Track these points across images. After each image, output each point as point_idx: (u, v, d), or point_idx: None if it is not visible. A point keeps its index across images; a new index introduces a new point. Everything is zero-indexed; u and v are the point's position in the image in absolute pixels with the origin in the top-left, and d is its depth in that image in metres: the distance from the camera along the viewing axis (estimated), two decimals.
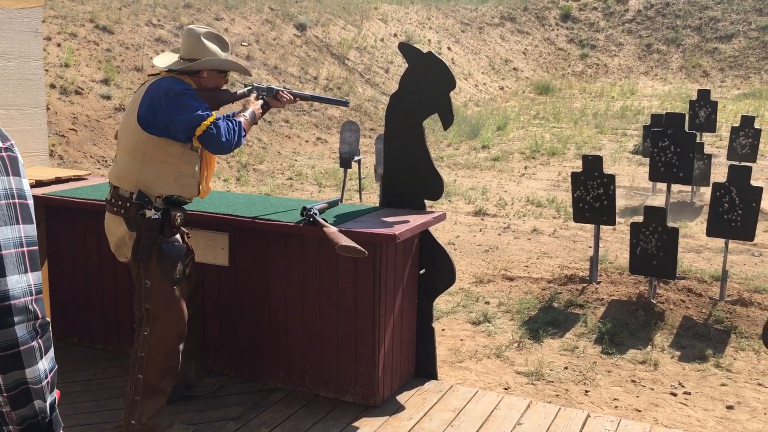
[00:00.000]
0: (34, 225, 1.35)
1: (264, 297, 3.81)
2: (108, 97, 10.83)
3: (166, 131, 3.07)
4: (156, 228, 3.15)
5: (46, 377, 1.34)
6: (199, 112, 3.04)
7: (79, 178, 4.54)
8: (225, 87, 3.40)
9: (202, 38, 3.22)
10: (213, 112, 3.12)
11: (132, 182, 3.13)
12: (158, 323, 3.22)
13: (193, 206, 3.58)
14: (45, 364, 1.33)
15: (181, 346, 3.31)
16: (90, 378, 3.95)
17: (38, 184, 4.26)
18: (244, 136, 3.22)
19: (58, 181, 4.40)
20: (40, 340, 1.32)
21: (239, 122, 3.20)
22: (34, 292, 1.31)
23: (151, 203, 3.13)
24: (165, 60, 3.28)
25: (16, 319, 1.27)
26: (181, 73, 3.20)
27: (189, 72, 3.22)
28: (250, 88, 3.49)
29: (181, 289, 3.27)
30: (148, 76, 3.27)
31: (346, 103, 3.95)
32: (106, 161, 9.67)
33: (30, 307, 1.29)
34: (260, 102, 3.43)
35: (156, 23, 13.76)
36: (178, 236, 3.27)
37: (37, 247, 1.34)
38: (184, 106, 3.03)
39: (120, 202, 3.15)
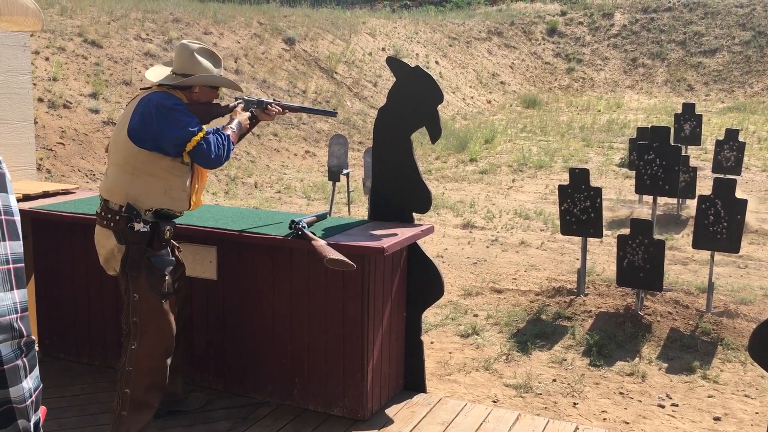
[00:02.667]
0: (21, 242, 1.33)
1: (252, 311, 3.80)
2: (96, 111, 10.81)
3: (156, 145, 3.08)
4: (144, 241, 3.15)
5: (31, 396, 1.31)
6: (190, 128, 3.05)
7: (66, 192, 4.53)
8: (215, 101, 3.41)
9: (195, 54, 3.22)
10: (204, 127, 3.14)
11: (121, 195, 3.13)
12: (146, 337, 3.20)
13: (182, 220, 3.57)
14: (30, 382, 1.31)
15: (168, 361, 3.29)
16: (77, 393, 3.92)
17: (26, 198, 4.24)
18: (233, 149, 3.23)
19: (46, 195, 4.39)
20: (24, 359, 1.29)
21: (227, 135, 3.22)
22: (19, 310, 1.28)
23: (140, 216, 3.13)
24: (157, 74, 3.28)
25: (0, 337, 1.25)
26: (173, 88, 3.21)
27: (181, 87, 3.23)
28: (240, 101, 3.50)
29: (169, 303, 3.26)
30: (140, 90, 3.27)
31: (334, 114, 3.98)
32: (94, 175, 9.64)
33: (15, 325, 1.27)
34: (247, 114, 3.44)
35: (145, 37, 13.77)
36: (167, 249, 3.27)
37: (23, 264, 1.32)
38: (175, 121, 3.04)
39: (110, 216, 3.15)
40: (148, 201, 3.14)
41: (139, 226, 3.12)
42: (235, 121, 3.34)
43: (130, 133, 3.08)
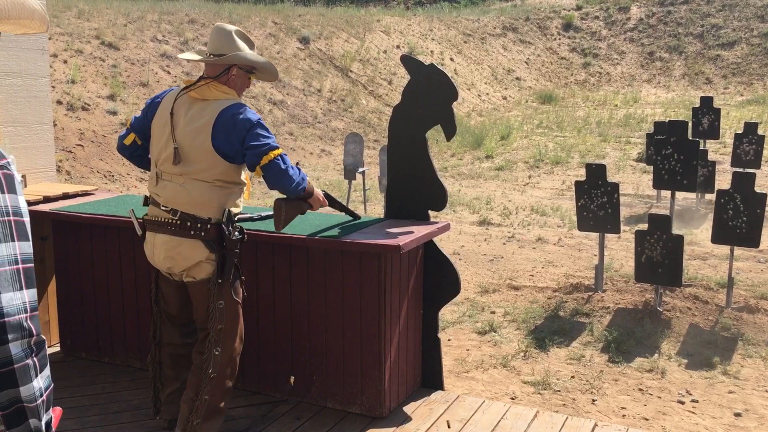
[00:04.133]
0: (30, 242, 1.34)
1: (269, 309, 3.83)
2: (114, 113, 10.91)
3: (242, 159, 3.07)
4: (237, 248, 3.16)
5: (42, 395, 1.32)
6: (270, 143, 3.05)
7: (86, 194, 4.58)
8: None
9: (234, 35, 3.16)
10: (278, 147, 3.12)
11: (213, 208, 3.09)
12: (228, 343, 3.19)
13: None
14: (40, 382, 1.32)
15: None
16: (98, 392, 3.97)
17: (46, 199, 4.30)
18: (303, 186, 3.18)
19: (66, 196, 4.44)
20: (35, 358, 1.30)
21: (304, 176, 3.20)
22: (29, 309, 1.30)
23: (232, 222, 3.14)
24: (194, 54, 3.25)
25: (10, 336, 1.26)
26: (216, 79, 3.12)
27: (219, 74, 3.14)
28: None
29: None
30: (184, 87, 3.15)
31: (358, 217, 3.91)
32: (112, 176, 9.73)
33: (24, 324, 1.28)
34: (320, 192, 3.40)
35: (161, 39, 13.87)
36: None
37: (32, 265, 1.33)
38: (258, 136, 3.03)
39: (198, 225, 3.07)
40: (233, 206, 3.15)
41: (233, 232, 3.12)
42: (313, 187, 3.33)
43: (219, 151, 3.03)
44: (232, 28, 3.19)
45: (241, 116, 3.03)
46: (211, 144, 3.02)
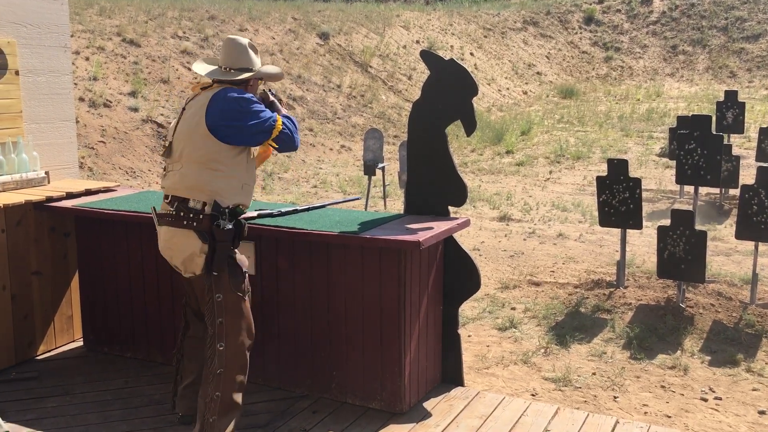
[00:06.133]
0: None
1: (290, 305, 3.84)
2: (136, 110, 11.00)
3: (239, 138, 3.11)
4: (230, 239, 3.14)
5: None
6: (270, 116, 3.16)
7: (108, 190, 4.62)
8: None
9: (249, 49, 3.27)
10: (277, 114, 3.23)
11: (205, 192, 3.10)
12: (232, 337, 3.18)
13: None
14: None
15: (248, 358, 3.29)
16: (120, 387, 4.01)
17: (68, 196, 4.34)
18: (281, 127, 3.27)
19: (88, 192, 4.48)
20: None
21: (292, 119, 3.30)
22: None
23: (225, 214, 3.12)
24: (206, 69, 3.30)
25: None
26: (233, 84, 3.23)
27: (239, 82, 3.25)
28: (269, 92, 3.52)
29: (249, 300, 3.29)
30: (201, 89, 3.27)
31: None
32: (134, 172, 9.82)
33: None
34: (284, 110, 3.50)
35: (182, 35, 13.95)
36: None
37: None
38: (256, 112, 3.13)
39: (191, 215, 3.10)
40: (228, 197, 3.14)
41: (225, 224, 3.10)
42: (283, 110, 3.42)
43: (213, 129, 3.07)
44: (244, 41, 3.29)
45: (236, 94, 3.12)
46: (205, 123, 3.08)
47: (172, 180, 3.19)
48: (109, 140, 10.16)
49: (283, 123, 3.20)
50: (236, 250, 3.24)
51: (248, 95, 3.19)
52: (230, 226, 3.12)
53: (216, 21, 15.28)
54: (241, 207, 3.22)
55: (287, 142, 3.22)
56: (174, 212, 3.13)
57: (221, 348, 3.15)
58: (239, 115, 3.09)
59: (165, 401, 3.78)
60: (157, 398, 3.85)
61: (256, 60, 3.31)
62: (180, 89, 12.18)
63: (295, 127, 3.28)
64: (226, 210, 3.12)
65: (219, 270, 3.12)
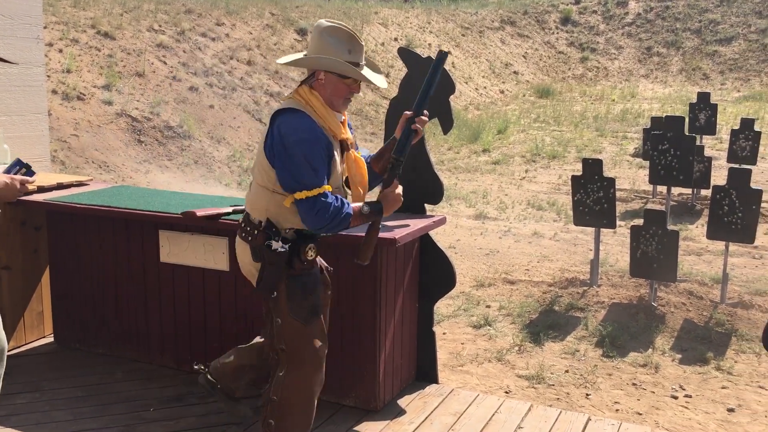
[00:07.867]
0: None
1: (262, 302, 3.81)
2: (110, 103, 10.86)
3: (281, 177, 2.78)
4: (282, 262, 2.83)
5: None
6: (304, 180, 2.67)
7: (80, 184, 4.56)
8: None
9: (323, 33, 2.73)
10: (325, 185, 2.69)
11: (262, 211, 2.85)
12: (293, 365, 2.91)
13: (181, 208, 3.58)
14: None
15: (317, 395, 2.99)
16: (91, 383, 3.96)
17: (40, 189, 4.27)
18: (342, 228, 2.79)
19: (60, 186, 4.42)
20: None
21: (349, 213, 2.74)
22: None
23: (279, 234, 2.81)
24: (288, 57, 2.94)
25: None
26: (301, 85, 2.83)
27: (307, 78, 2.85)
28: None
29: (318, 328, 2.94)
30: (285, 97, 2.91)
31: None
32: (108, 166, 9.70)
33: None
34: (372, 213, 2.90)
35: (157, 29, 13.80)
36: (313, 270, 2.93)
37: None
38: (292, 165, 2.68)
39: (249, 228, 2.88)
40: (288, 220, 2.82)
41: (276, 245, 2.80)
42: (367, 208, 2.84)
43: (269, 159, 2.77)
44: (325, 24, 2.75)
45: (283, 130, 2.70)
46: (263, 146, 2.81)
47: (248, 191, 2.99)
48: (83, 134, 10.02)
49: (317, 198, 2.66)
50: (303, 273, 2.88)
51: (297, 137, 2.68)
52: (283, 249, 2.81)
53: (193, 15, 15.14)
54: (308, 230, 2.83)
55: (305, 215, 2.70)
56: (242, 224, 2.95)
57: (281, 375, 2.94)
58: (277, 155, 2.71)
59: (137, 398, 3.74)
60: (129, 395, 3.81)
61: (333, 48, 2.70)
62: (155, 83, 12.06)
63: (335, 218, 2.70)
64: (286, 231, 2.83)
65: (266, 292, 2.88)
